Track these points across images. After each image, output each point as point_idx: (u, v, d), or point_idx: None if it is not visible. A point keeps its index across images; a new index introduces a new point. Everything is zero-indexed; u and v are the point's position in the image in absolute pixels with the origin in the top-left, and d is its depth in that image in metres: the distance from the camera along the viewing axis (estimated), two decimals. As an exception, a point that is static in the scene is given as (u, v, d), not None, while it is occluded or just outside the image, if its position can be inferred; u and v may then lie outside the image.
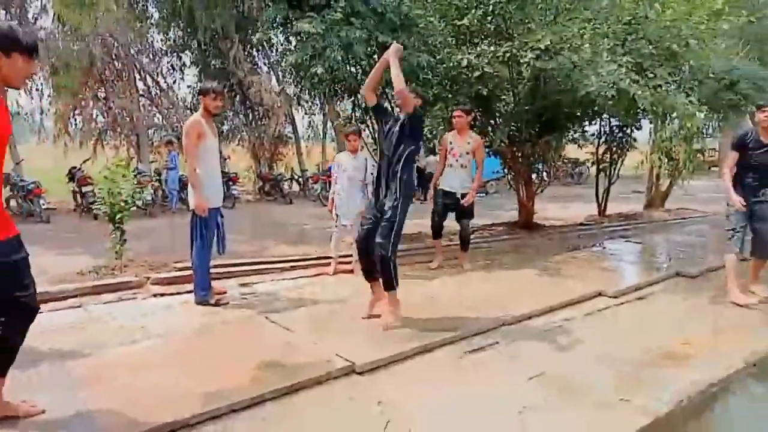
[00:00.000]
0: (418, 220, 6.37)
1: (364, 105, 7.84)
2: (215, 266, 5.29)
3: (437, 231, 6.25)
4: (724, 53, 8.15)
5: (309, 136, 22.44)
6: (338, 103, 11.02)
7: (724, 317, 4.50)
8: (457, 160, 5.93)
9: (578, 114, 7.88)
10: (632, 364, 3.52)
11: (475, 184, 5.97)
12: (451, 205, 6.03)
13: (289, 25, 6.52)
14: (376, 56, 6.54)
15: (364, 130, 8.15)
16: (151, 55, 17.05)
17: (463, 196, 5.90)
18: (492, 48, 6.19)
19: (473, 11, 6.44)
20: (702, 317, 4.52)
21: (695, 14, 6.35)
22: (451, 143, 5.97)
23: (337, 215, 5.91)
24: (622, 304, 4.86)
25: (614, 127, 9.73)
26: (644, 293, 5.17)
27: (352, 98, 7.52)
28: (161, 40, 17.43)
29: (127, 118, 15.18)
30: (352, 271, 5.78)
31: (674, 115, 6.51)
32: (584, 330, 4.21)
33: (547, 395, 3.09)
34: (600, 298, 4.97)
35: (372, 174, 6.05)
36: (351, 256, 5.80)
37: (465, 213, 6.06)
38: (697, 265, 6.12)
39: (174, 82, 17.72)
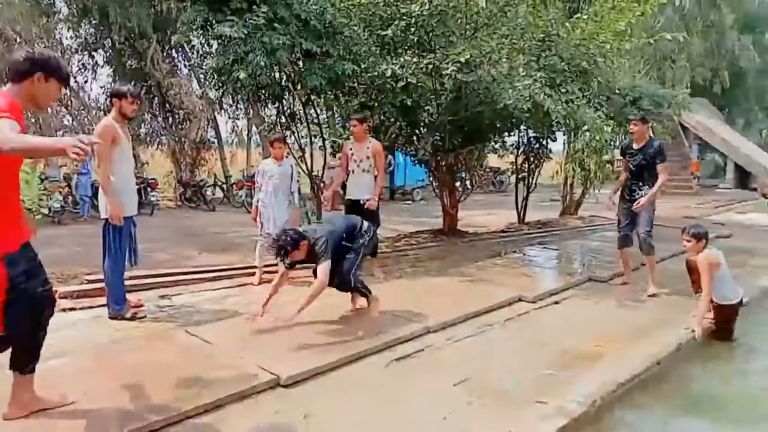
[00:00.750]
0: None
1: (289, 111, 7.77)
2: (131, 277, 5.04)
3: None
4: (628, 72, 8.78)
5: (233, 141, 21.88)
6: (263, 108, 10.84)
7: (633, 319, 4.83)
8: (358, 166, 5.96)
9: (498, 125, 8.20)
10: (550, 366, 3.69)
11: (376, 189, 6.00)
12: (358, 213, 5.95)
13: (209, 27, 6.33)
14: (300, 62, 6.50)
15: (290, 137, 8.06)
16: (59, 53, 15.98)
17: (365, 202, 5.92)
18: (415, 59, 6.33)
19: (396, 22, 6.55)
20: (612, 319, 4.83)
21: (602, 34, 6.81)
22: (351, 150, 6.03)
23: (261, 224, 5.81)
24: (540, 308, 5.10)
25: (531, 139, 10.22)
26: (560, 297, 5.45)
27: (277, 104, 7.41)
28: (71, 38, 16.41)
29: (33, 120, 14.16)
30: (261, 282, 5.71)
31: (585, 127, 6.94)
32: (505, 334, 4.38)
33: (470, 400, 3.18)
34: (520, 303, 5.18)
35: (298, 182, 5.94)
36: (276, 265, 5.70)
37: (370, 219, 6.09)
38: (607, 269, 6.52)
39: (86, 81, 16.75)
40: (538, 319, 4.81)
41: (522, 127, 9.33)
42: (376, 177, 6.02)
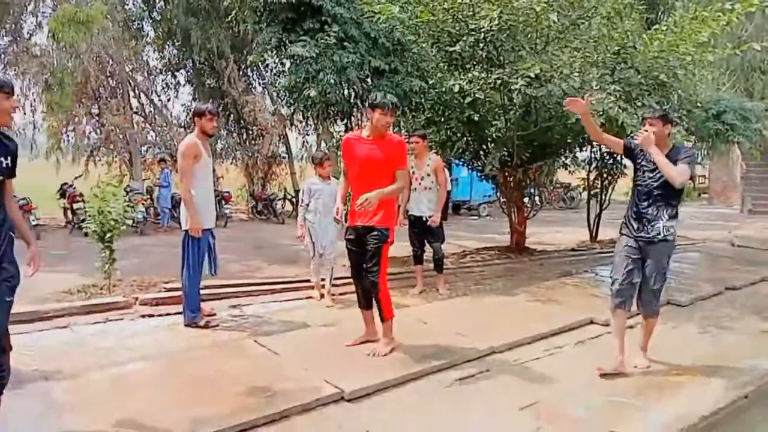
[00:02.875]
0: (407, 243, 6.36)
1: (357, 127, 7.91)
2: (205, 287, 5.25)
3: (418, 257, 6.27)
4: (711, 84, 8.30)
5: (302, 155, 22.51)
6: (332, 124, 11.10)
7: (714, 346, 4.51)
8: (420, 184, 5.99)
9: (569, 140, 7.96)
10: (623, 393, 3.51)
11: (438, 205, 6.00)
12: (421, 229, 6.08)
13: (283, 47, 6.58)
14: (369, 80, 6.61)
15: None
16: (145, 73, 17.11)
17: (430, 216, 5.95)
18: (483, 74, 6.28)
19: (465, 38, 6.53)
20: (693, 346, 4.53)
21: (682, 46, 6.48)
22: (412, 167, 5.99)
23: (312, 243, 5.71)
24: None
25: (605, 154, 9.84)
26: (635, 321, 5.16)
27: (345, 120, 7.57)
28: (156, 59, 17.51)
29: (120, 135, 15.19)
30: (323, 296, 5.72)
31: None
32: (576, 358, 4.21)
33: (538, 425, 3.07)
34: (591, 325, 4.97)
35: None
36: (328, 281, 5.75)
37: (434, 236, 6.11)
38: (687, 293, 6.14)
39: (168, 100, 17.79)
40: (611, 344, 4.57)
41: (594, 142, 9.02)
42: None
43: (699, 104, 7.93)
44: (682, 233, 11.71)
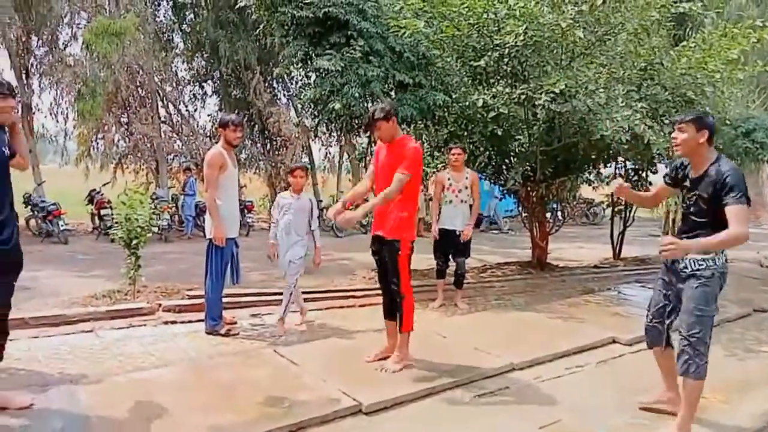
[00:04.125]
0: (430, 256, 6.34)
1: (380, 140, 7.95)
2: (226, 295, 5.31)
3: (442, 271, 6.25)
4: (740, 101, 8.17)
5: (325, 166, 22.71)
6: (355, 136, 11.18)
7: (743, 370, 4.40)
8: (457, 196, 5.98)
9: (594, 156, 7.89)
10: (646, 416, 3.44)
11: (471, 220, 6.03)
12: (450, 243, 6.06)
13: (309, 61, 6.68)
14: (393, 93, 6.66)
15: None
16: (174, 84, 17.51)
17: (461, 233, 5.96)
18: (507, 89, 6.27)
19: (490, 53, 6.55)
20: (719, 369, 4.39)
21: (711, 63, 6.40)
22: (449, 180, 6.02)
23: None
24: (636, 352, 4.76)
25: (630, 170, 9.71)
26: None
27: (368, 133, 7.62)
28: (185, 70, 17.94)
29: (148, 144, 15.52)
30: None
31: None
32: (597, 377, 4.14)
33: (557, 445, 3.03)
34: (614, 345, 4.89)
35: (319, 218, 5.39)
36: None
37: (462, 251, 6.10)
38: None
39: (195, 110, 18.17)
40: (634, 364, 4.50)
41: (620, 158, 8.92)
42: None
43: (728, 122, 7.81)
44: (708, 252, 11.50)
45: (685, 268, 3.10)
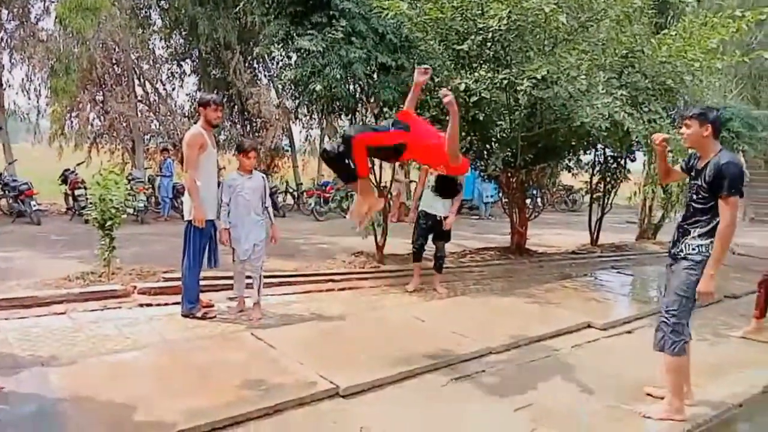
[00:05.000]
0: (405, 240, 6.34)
1: (361, 122, 7.87)
2: (204, 278, 5.25)
3: (419, 254, 6.26)
4: (719, 91, 8.27)
5: (306, 149, 22.49)
6: (336, 118, 11.06)
7: (712, 354, 4.50)
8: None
9: (574, 143, 7.93)
10: (619, 398, 3.50)
11: (453, 207, 6.03)
12: (431, 226, 6.06)
13: (290, 40, 6.54)
14: (375, 75, 6.58)
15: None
16: (151, 62, 17.09)
17: (445, 218, 5.96)
18: (490, 74, 6.24)
19: (473, 37, 6.50)
20: (691, 355, 4.51)
21: (690, 52, 6.45)
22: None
23: (233, 249, 4.94)
24: (610, 336, 4.86)
25: (609, 158, 9.81)
26: (633, 326, 5.17)
27: (350, 116, 7.54)
28: (162, 48, 17.48)
29: (124, 123, 15.18)
30: (244, 310, 5.00)
31: (669, 148, 6.58)
32: (572, 361, 4.20)
33: (532, 428, 3.07)
34: (589, 329, 4.97)
35: (272, 196, 5.34)
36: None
37: (443, 235, 6.11)
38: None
39: (173, 89, 17.75)
40: (608, 348, 4.58)
41: (599, 146, 8.99)
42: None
43: (705, 111, 7.88)
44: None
45: (680, 252, 3.28)
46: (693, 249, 3.20)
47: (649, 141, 5.79)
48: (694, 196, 3.24)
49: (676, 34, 6.65)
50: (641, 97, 6.54)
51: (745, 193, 3.33)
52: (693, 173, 3.32)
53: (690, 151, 3.53)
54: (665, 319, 3.26)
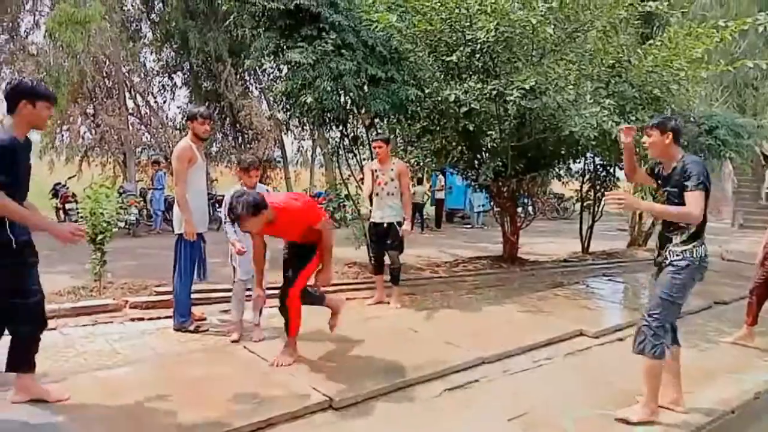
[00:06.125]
0: (405, 250, 6.34)
1: (352, 134, 7.91)
2: (196, 291, 5.23)
3: (377, 266, 6.05)
4: (704, 99, 8.39)
5: (298, 160, 22.55)
6: (327, 130, 11.11)
7: (704, 360, 4.53)
8: (383, 189, 5.82)
9: (563, 152, 8.01)
10: (612, 406, 3.51)
11: (406, 213, 5.85)
12: (381, 236, 5.89)
13: (280, 53, 6.59)
14: (365, 87, 6.63)
15: (352, 159, 8.21)
16: (142, 75, 17.12)
17: (390, 224, 5.78)
18: (479, 85, 6.31)
19: (462, 48, 6.57)
20: (682, 360, 4.54)
21: (676, 61, 6.55)
22: (376, 172, 5.87)
23: (234, 267, 4.72)
24: (602, 344, 4.87)
25: (598, 166, 9.92)
26: (625, 334, 5.17)
27: (341, 127, 7.58)
28: (153, 60, 17.55)
29: (115, 136, 15.15)
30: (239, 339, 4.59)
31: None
32: (565, 370, 4.22)
33: (524, 437, 3.07)
34: (581, 337, 4.98)
35: None
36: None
37: (393, 245, 5.87)
38: (676, 306, 6.17)
39: (164, 102, 17.83)
40: (601, 356, 4.60)
41: (588, 154, 9.08)
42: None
43: (692, 119, 8.01)
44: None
45: (665, 260, 3.29)
46: (677, 255, 3.23)
47: (637, 149, 5.86)
48: (669, 204, 3.26)
49: (661, 44, 6.76)
50: (628, 107, 6.63)
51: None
52: (661, 182, 3.38)
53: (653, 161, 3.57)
54: (647, 323, 3.25)
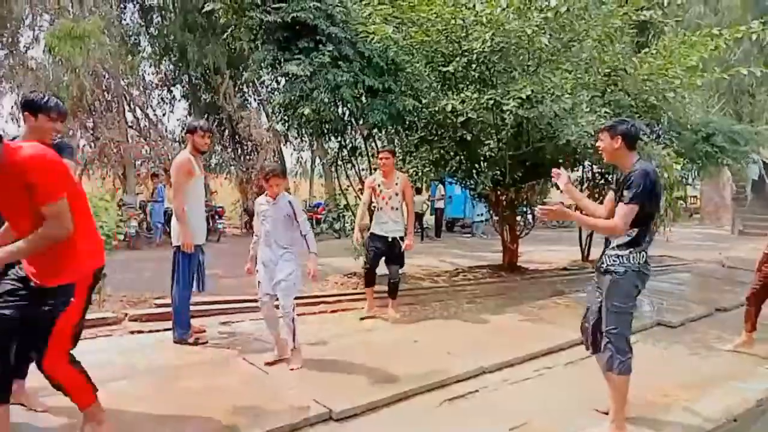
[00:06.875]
0: (405, 260, 6.33)
1: (351, 145, 7.94)
2: (196, 303, 5.22)
3: (370, 278, 5.89)
4: (701, 107, 8.44)
5: (297, 171, 22.60)
6: (326, 141, 11.15)
7: (704, 368, 4.52)
8: (387, 203, 5.70)
9: (561, 160, 8.03)
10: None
11: (409, 227, 5.77)
12: (383, 250, 5.77)
13: (278, 65, 6.64)
14: (362, 98, 6.67)
15: (351, 169, 8.23)
16: (141, 88, 17.18)
17: (394, 239, 5.69)
18: (476, 95, 6.35)
19: (458, 59, 6.63)
20: (683, 368, 4.54)
21: (671, 69, 6.60)
22: (379, 186, 5.74)
23: (259, 282, 4.33)
24: (602, 352, 4.86)
25: (596, 174, 9.93)
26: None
27: (339, 138, 7.61)
28: (152, 74, 17.62)
29: (115, 149, 15.17)
30: (276, 361, 4.22)
31: (653, 164, 6.68)
32: (566, 378, 4.20)
33: (525, 447, 3.06)
34: (582, 346, 4.94)
35: (305, 221, 4.36)
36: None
37: (396, 258, 5.78)
38: (678, 314, 6.17)
39: (164, 114, 17.87)
40: (601, 364, 4.58)
41: (586, 162, 9.11)
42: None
43: (689, 126, 8.05)
44: (674, 254, 11.82)
45: (602, 264, 3.26)
46: (614, 260, 3.19)
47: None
48: (616, 208, 3.16)
49: (656, 53, 6.82)
50: (625, 115, 6.66)
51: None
52: (616, 187, 3.30)
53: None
54: (608, 339, 3.20)
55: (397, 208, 5.75)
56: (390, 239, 5.70)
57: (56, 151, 2.70)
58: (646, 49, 7.17)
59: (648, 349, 5.07)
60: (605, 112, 6.13)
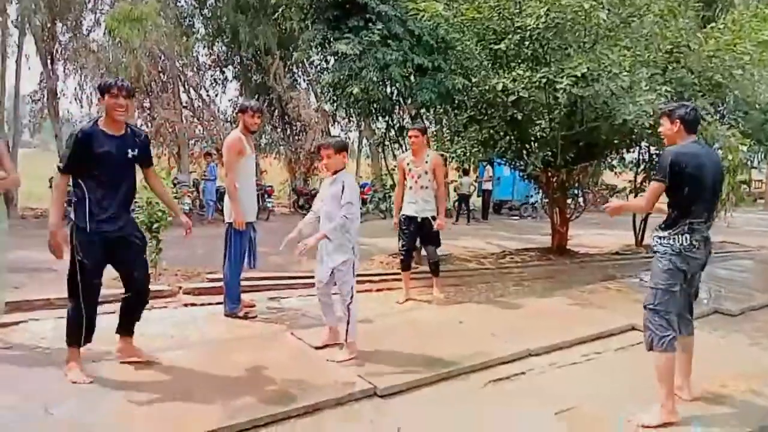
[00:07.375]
0: (451, 241, 6.30)
1: (398, 125, 7.91)
2: (245, 279, 5.36)
3: (406, 262, 5.72)
4: (771, 84, 7.91)
5: (344, 151, 22.70)
6: (374, 121, 11.15)
7: (765, 359, 4.31)
8: (416, 182, 5.55)
9: (616, 141, 7.75)
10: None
11: (441, 207, 5.59)
12: (415, 230, 5.63)
13: (327, 45, 6.65)
14: (411, 77, 6.60)
15: (398, 149, 8.20)
16: (195, 69, 17.61)
17: (424, 219, 5.54)
18: (528, 73, 6.17)
19: (510, 36, 6.44)
20: (742, 357, 4.34)
21: (740, 45, 6.20)
22: (408, 165, 5.60)
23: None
24: (655, 339, 4.70)
25: (653, 155, 9.51)
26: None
27: (387, 118, 7.58)
28: (206, 55, 18.04)
29: (170, 129, 15.68)
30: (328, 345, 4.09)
31: (716, 145, 6.32)
32: (615, 364, 4.10)
33: (572, 432, 3.01)
34: (633, 332, 4.82)
35: (355, 202, 3.92)
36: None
37: (431, 238, 5.66)
38: (738, 302, 5.89)
39: (216, 95, 18.35)
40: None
41: (643, 144, 8.74)
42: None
43: (757, 105, 7.56)
44: (736, 240, 11.26)
45: (653, 246, 3.37)
46: (656, 240, 3.28)
47: (696, 138, 5.59)
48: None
49: (724, 27, 6.43)
50: (687, 94, 6.34)
51: None
52: None
53: None
54: (647, 316, 3.21)
55: (427, 187, 5.56)
56: (420, 219, 5.56)
57: None
58: (713, 24, 6.76)
59: (704, 337, 4.84)
60: (666, 91, 5.83)
